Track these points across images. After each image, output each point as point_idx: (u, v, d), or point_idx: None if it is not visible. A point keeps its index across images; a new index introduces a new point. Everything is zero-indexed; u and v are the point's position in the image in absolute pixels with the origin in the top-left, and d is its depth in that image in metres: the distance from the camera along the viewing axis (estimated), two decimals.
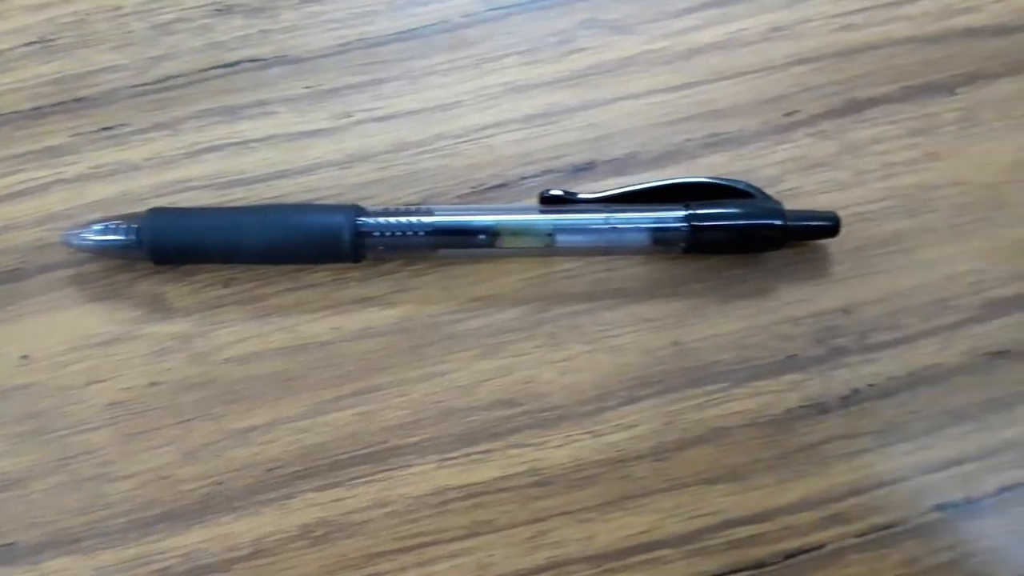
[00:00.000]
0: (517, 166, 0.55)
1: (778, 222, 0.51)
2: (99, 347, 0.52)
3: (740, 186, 0.53)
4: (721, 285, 0.54)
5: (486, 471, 0.51)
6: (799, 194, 0.55)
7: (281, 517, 0.50)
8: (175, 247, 0.48)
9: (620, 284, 0.54)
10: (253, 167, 0.54)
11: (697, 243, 0.50)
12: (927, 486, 0.52)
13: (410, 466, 0.51)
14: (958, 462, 0.52)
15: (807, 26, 0.58)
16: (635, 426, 0.52)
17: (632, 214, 0.49)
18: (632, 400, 0.52)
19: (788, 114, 0.56)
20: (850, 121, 0.56)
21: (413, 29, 0.57)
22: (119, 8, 0.56)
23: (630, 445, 0.52)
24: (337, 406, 0.51)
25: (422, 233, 0.48)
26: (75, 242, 0.47)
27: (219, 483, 0.51)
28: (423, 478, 0.51)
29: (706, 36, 0.58)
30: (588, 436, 0.52)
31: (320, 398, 0.51)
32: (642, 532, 0.51)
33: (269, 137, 0.55)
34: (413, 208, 0.49)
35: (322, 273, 0.53)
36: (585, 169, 0.55)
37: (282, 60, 0.56)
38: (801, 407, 0.52)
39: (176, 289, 0.52)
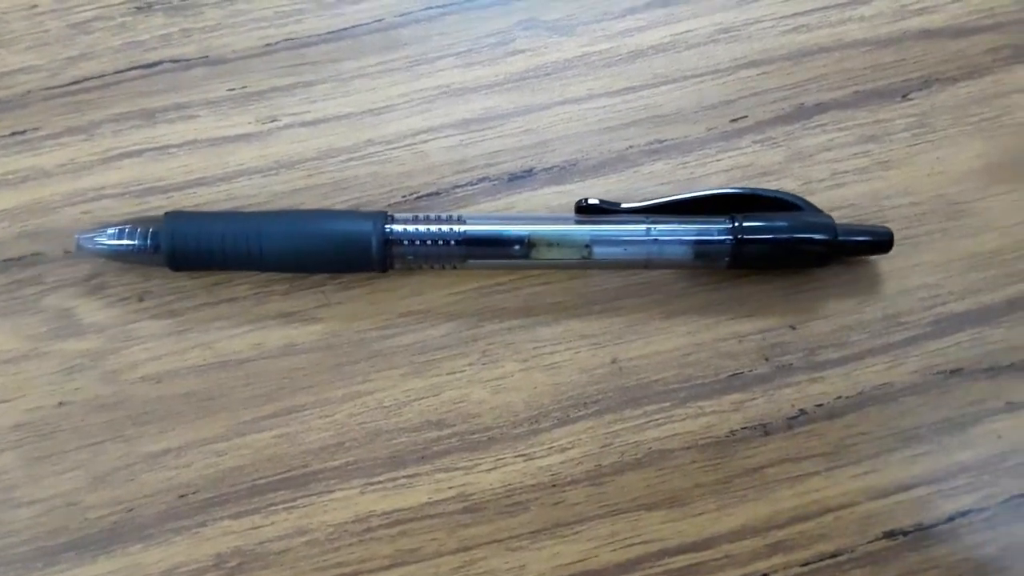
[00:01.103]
0: (451, 174, 0.47)
1: (828, 237, 0.43)
2: (3, 365, 0.44)
3: (787, 198, 0.45)
4: (663, 299, 0.46)
5: (412, 496, 0.44)
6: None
7: (194, 546, 0.43)
8: (193, 253, 0.41)
9: (557, 298, 0.46)
10: (172, 174, 0.46)
11: (742, 258, 0.43)
12: (876, 512, 0.44)
13: (332, 491, 0.43)
14: (908, 487, 0.45)
15: (756, 28, 0.50)
16: (570, 449, 0.44)
17: (674, 226, 0.43)
18: (567, 421, 0.45)
19: (735, 120, 0.49)
20: (799, 128, 0.49)
21: (344, 29, 0.49)
22: (35, 7, 0.48)
23: (564, 469, 0.44)
24: (256, 427, 0.44)
25: (453, 243, 0.42)
26: (89, 246, 0.41)
27: (129, 510, 0.43)
28: (346, 504, 0.43)
29: (650, 38, 0.50)
30: (520, 459, 0.44)
31: (238, 419, 0.44)
32: (575, 561, 0.43)
33: (189, 142, 0.47)
34: (444, 216, 0.43)
35: (243, 286, 0.45)
36: (522, 177, 0.47)
37: (205, 61, 0.48)
38: (745, 428, 0.45)
39: (87, 303, 0.45)
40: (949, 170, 0.48)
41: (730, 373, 0.45)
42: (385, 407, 0.44)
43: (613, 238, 0.43)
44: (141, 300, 0.45)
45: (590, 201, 0.44)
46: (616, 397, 0.45)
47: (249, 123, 0.47)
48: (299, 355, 0.45)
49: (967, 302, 0.47)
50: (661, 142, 0.48)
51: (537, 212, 0.46)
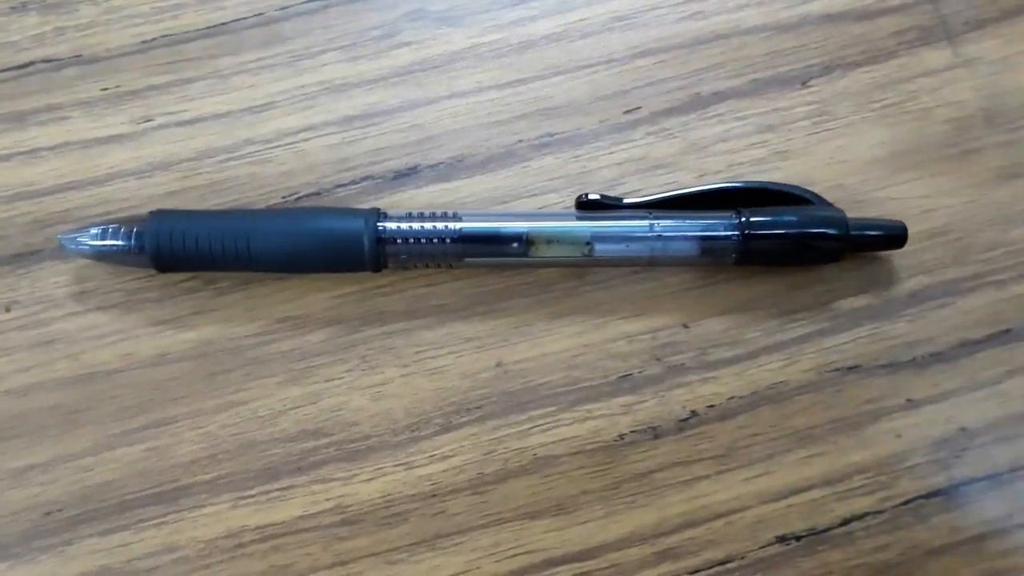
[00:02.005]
0: (333, 173, 0.42)
1: (840, 231, 0.39)
2: None
3: (796, 191, 0.40)
4: (550, 299, 0.41)
5: (287, 509, 0.38)
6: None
7: (60, 565, 0.38)
8: (179, 253, 0.37)
9: (440, 300, 0.41)
10: (42, 178, 0.41)
11: (750, 254, 0.39)
12: (768, 516, 0.39)
13: (203, 506, 0.38)
14: (802, 489, 0.39)
15: (652, 15, 0.44)
16: (452, 456, 0.39)
17: (679, 221, 0.39)
18: (449, 428, 0.39)
19: (629, 111, 0.43)
20: (695, 118, 0.43)
21: (223, 24, 0.43)
22: None
23: (446, 478, 0.39)
24: (125, 441, 0.39)
25: (449, 240, 0.38)
26: (71, 247, 0.37)
27: None
28: (217, 519, 0.38)
29: (542, 27, 0.44)
30: (400, 468, 0.39)
31: (107, 432, 0.39)
32: (456, 574, 0.38)
33: (61, 145, 0.41)
34: (439, 213, 0.38)
35: (114, 294, 0.40)
36: (407, 175, 0.42)
37: (78, 60, 0.42)
38: (634, 432, 0.40)
39: None
40: (850, 159, 0.43)
41: (619, 375, 0.40)
42: (260, 417, 0.39)
43: (615, 234, 0.39)
44: (8, 310, 0.39)
45: (591, 196, 0.40)
46: (500, 402, 0.40)
47: (123, 123, 0.42)
48: (171, 364, 0.39)
49: (867, 296, 0.41)
50: (552, 136, 0.43)
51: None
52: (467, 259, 0.38)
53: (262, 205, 0.41)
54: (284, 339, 0.40)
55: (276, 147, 0.42)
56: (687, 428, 0.40)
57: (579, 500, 0.39)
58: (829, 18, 0.45)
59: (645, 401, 0.40)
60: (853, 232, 0.38)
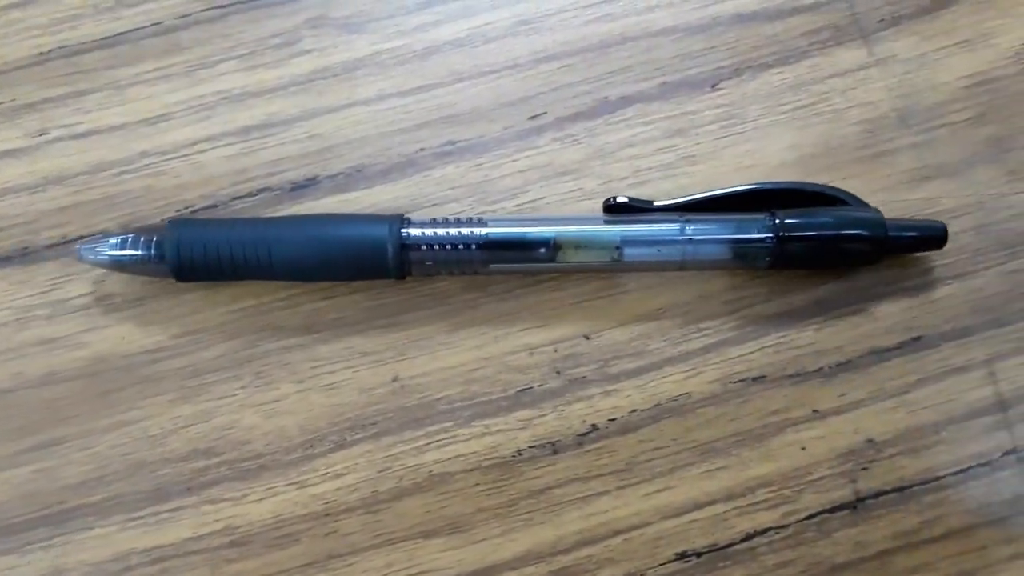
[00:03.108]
0: (230, 185, 0.37)
1: (878, 233, 0.34)
2: None
3: (831, 192, 0.35)
4: (449, 311, 0.36)
5: (175, 531, 0.34)
6: (541, 206, 0.37)
7: None
8: (200, 262, 0.33)
9: (338, 313, 0.36)
10: None
11: (784, 257, 0.34)
12: (668, 532, 0.34)
13: (91, 528, 0.34)
14: (704, 504, 0.35)
15: (558, 19, 0.39)
16: (345, 475, 0.34)
17: (711, 224, 0.34)
18: (344, 445, 0.35)
19: (533, 117, 0.38)
20: (601, 123, 0.38)
21: (121, 33, 0.38)
22: None
23: (339, 497, 0.34)
24: (13, 463, 0.34)
25: (474, 247, 0.33)
26: (89, 257, 0.33)
27: None
28: (105, 542, 0.34)
29: (446, 33, 0.39)
30: (293, 488, 0.34)
31: None
32: None
33: None
34: (464, 219, 0.34)
35: (5, 311, 0.35)
36: (305, 186, 0.37)
37: None
38: (532, 447, 0.35)
39: None
40: (759, 163, 0.38)
41: (519, 388, 0.35)
42: (151, 436, 0.34)
43: (645, 238, 0.34)
44: None
45: (619, 199, 0.35)
46: (397, 418, 0.35)
47: (17, 138, 0.37)
48: (61, 384, 0.35)
49: (773, 304, 0.36)
50: (454, 143, 0.37)
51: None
52: (492, 266, 0.34)
53: (155, 219, 0.36)
54: (178, 355, 0.35)
55: (172, 159, 0.37)
56: (587, 443, 0.35)
57: (475, 518, 0.34)
58: (740, 18, 0.39)
59: (544, 415, 0.35)
60: (891, 233, 0.34)
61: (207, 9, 0.38)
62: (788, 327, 0.36)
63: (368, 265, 0.33)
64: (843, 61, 0.38)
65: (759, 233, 0.34)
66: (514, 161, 0.37)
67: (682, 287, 0.36)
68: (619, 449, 0.35)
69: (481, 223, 0.34)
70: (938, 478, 0.35)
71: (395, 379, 0.35)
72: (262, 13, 0.38)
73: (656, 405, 0.35)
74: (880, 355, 0.35)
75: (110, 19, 0.38)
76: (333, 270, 0.34)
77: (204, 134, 0.37)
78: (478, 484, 0.34)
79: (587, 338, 0.35)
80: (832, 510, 0.34)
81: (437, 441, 0.35)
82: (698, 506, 0.34)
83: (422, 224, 0.34)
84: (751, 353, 0.36)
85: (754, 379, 0.35)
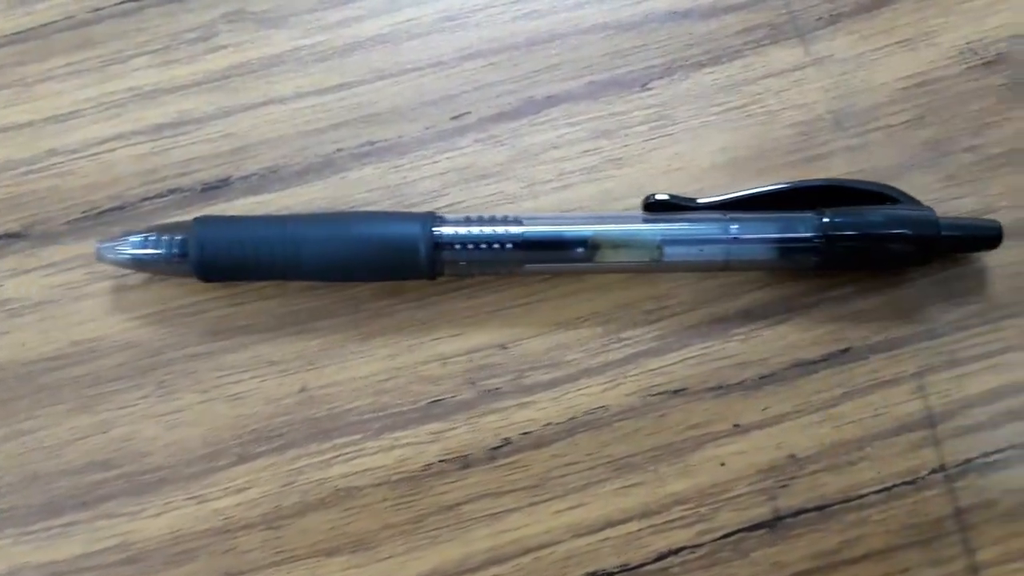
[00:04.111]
0: (139, 185, 0.32)
1: (930, 232, 0.30)
2: None
3: (880, 189, 0.31)
4: (362, 319, 0.32)
5: (68, 547, 0.30)
6: (460, 209, 0.32)
7: None
8: (226, 262, 0.29)
9: (246, 320, 0.31)
10: None
11: (833, 258, 0.30)
12: (579, 551, 0.30)
13: None
14: (617, 522, 0.30)
15: (485, 15, 0.34)
16: (247, 489, 0.30)
17: (756, 223, 0.30)
18: (247, 458, 0.30)
19: (456, 117, 0.33)
20: (526, 124, 0.33)
21: (31, 28, 0.33)
22: None
23: (239, 512, 0.30)
24: None
25: (509, 246, 0.29)
26: (111, 256, 0.29)
27: None
28: None
29: (369, 28, 0.34)
30: (192, 502, 0.30)
31: None
32: None
33: None
34: (499, 217, 0.30)
35: None
36: (217, 187, 0.32)
37: None
38: (442, 461, 0.31)
39: None
40: (688, 166, 0.33)
41: (430, 400, 0.31)
42: (46, 447, 0.30)
43: (688, 237, 0.30)
44: None
45: (659, 197, 0.31)
46: (303, 430, 0.31)
47: None
48: None
49: (697, 314, 0.32)
50: (373, 144, 0.33)
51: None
52: (527, 266, 0.30)
53: (61, 221, 0.32)
54: (78, 363, 0.31)
55: (80, 158, 0.32)
56: (499, 457, 0.31)
57: (380, 535, 0.30)
58: (673, 16, 0.34)
59: (456, 428, 0.31)
60: (944, 233, 0.29)
61: (121, 3, 0.34)
62: (711, 338, 0.31)
63: (399, 265, 0.29)
64: (778, 61, 0.34)
65: (806, 232, 0.29)
66: (434, 163, 0.33)
67: (602, 295, 0.32)
68: (532, 464, 0.30)
69: (517, 221, 0.29)
70: (861, 496, 0.30)
71: (303, 389, 0.31)
72: (178, 7, 0.34)
73: (571, 418, 0.31)
74: (806, 367, 0.31)
75: (22, 14, 0.34)
76: (362, 270, 0.30)
77: (114, 132, 0.33)
78: (385, 499, 0.30)
79: (503, 348, 0.31)
80: (750, 529, 0.30)
81: (344, 454, 0.30)
82: (611, 524, 0.30)
83: (455, 222, 0.29)
84: (672, 365, 0.31)
85: (674, 392, 0.31)
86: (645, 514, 0.30)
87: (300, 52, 0.33)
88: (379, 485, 0.30)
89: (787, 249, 0.30)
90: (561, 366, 0.31)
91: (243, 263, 0.29)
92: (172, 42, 0.33)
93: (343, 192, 0.32)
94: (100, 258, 0.29)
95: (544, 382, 0.31)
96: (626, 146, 0.33)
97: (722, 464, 0.30)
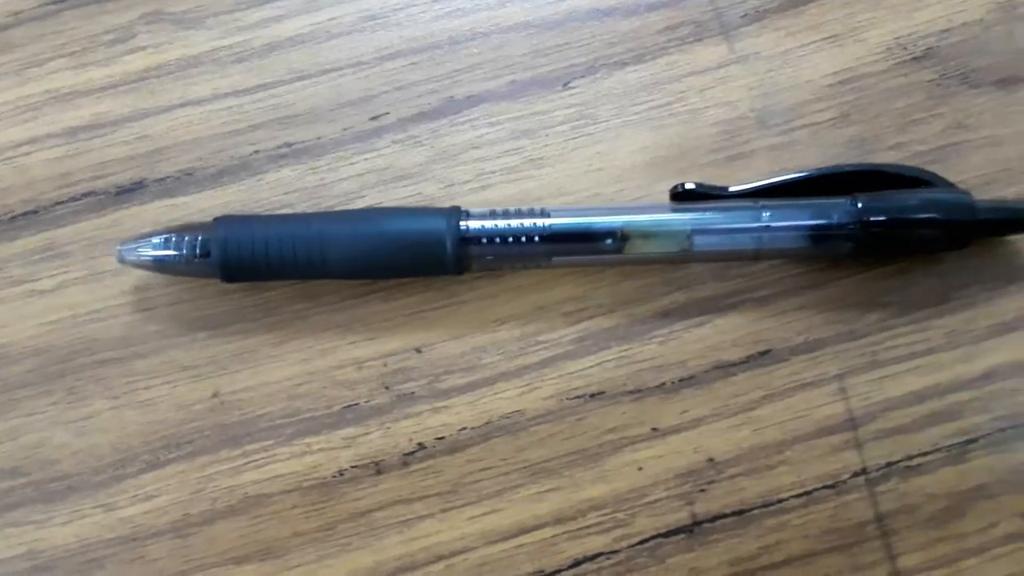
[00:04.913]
0: (53, 189, 0.30)
1: (967, 216, 0.27)
2: None
3: (914, 173, 0.29)
4: (275, 323, 0.29)
5: None
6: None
7: None
8: (248, 261, 0.27)
9: (158, 325, 0.29)
10: None
11: (869, 244, 0.27)
12: (493, 558, 0.28)
13: None
14: (532, 528, 0.28)
15: (406, 14, 0.32)
16: (156, 496, 0.28)
17: (788, 210, 0.27)
18: (157, 465, 0.28)
19: (375, 118, 0.31)
20: (446, 124, 0.31)
21: None
22: None
23: (148, 520, 0.28)
24: None
25: (537, 239, 0.27)
26: (130, 258, 0.27)
27: None
28: None
29: (288, 28, 0.32)
30: (100, 510, 0.28)
31: None
32: None
33: None
34: (525, 210, 0.28)
35: None
36: (131, 190, 0.30)
37: None
38: (355, 467, 0.28)
39: None
40: (609, 166, 0.31)
41: (344, 405, 0.29)
42: None
43: (718, 226, 0.28)
44: None
45: (687, 185, 0.28)
46: (214, 436, 0.28)
47: None
48: None
49: (616, 316, 0.29)
50: (290, 145, 0.31)
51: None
52: (555, 259, 0.28)
53: None
54: None
55: None
56: (412, 462, 0.28)
57: (290, 543, 0.28)
58: (597, 13, 0.32)
59: (370, 433, 0.29)
60: (981, 216, 0.27)
61: (41, 5, 0.31)
62: (630, 340, 0.29)
63: (425, 262, 0.27)
64: (702, 58, 0.31)
65: (840, 219, 0.27)
66: (352, 164, 0.30)
67: (520, 297, 0.29)
68: (446, 469, 0.28)
69: (544, 214, 0.27)
70: (780, 501, 0.28)
71: (215, 395, 0.28)
72: (97, 9, 0.31)
73: (487, 423, 0.28)
74: (726, 370, 0.29)
75: None
76: (388, 267, 0.27)
77: (28, 135, 0.30)
78: (296, 506, 0.28)
79: (419, 351, 0.29)
80: (667, 534, 0.28)
81: (255, 461, 0.28)
82: (525, 530, 0.28)
83: (481, 216, 0.27)
84: (590, 368, 0.29)
85: (592, 395, 0.29)
86: (560, 520, 0.27)
87: (218, 53, 0.31)
88: (290, 492, 0.28)
89: (820, 236, 0.27)
90: (477, 369, 0.28)
91: (267, 262, 0.27)
92: (90, 44, 0.31)
93: (259, 195, 0.30)
94: (121, 260, 0.27)
95: (460, 386, 0.28)
96: (547, 146, 0.30)
97: (639, 469, 0.28)
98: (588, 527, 0.27)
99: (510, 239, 0.27)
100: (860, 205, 0.27)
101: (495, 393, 0.28)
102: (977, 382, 0.28)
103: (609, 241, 0.27)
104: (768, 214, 0.27)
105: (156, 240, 0.27)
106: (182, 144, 0.30)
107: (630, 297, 0.29)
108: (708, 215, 0.28)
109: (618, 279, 0.29)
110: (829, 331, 0.28)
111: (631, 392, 0.28)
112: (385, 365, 0.28)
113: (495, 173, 0.30)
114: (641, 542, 0.27)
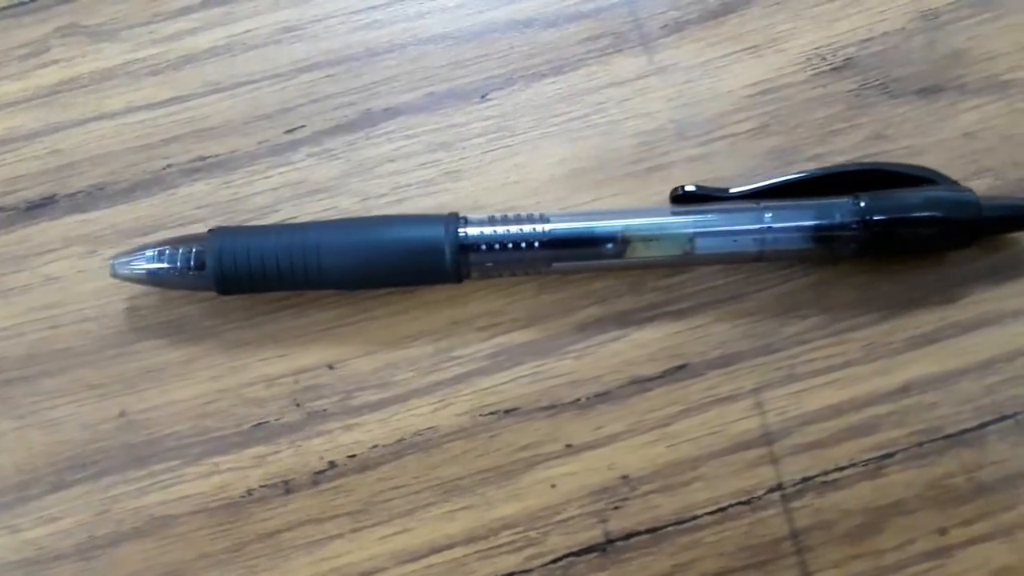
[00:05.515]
0: None
1: (972, 214, 0.26)
2: None
3: (917, 171, 0.27)
4: (185, 340, 0.28)
5: None
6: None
7: None
8: (244, 273, 0.25)
9: (65, 343, 0.28)
10: None
11: (873, 243, 0.26)
12: None
13: None
14: (443, 547, 0.26)
15: (324, 25, 0.30)
16: (61, 519, 0.26)
17: (790, 211, 0.26)
18: (61, 486, 0.27)
19: (290, 131, 0.29)
20: (362, 137, 0.29)
21: None
22: None
23: (52, 542, 0.26)
24: None
25: (537, 245, 0.26)
26: (124, 272, 0.26)
27: None
28: None
29: (204, 40, 0.30)
30: (5, 532, 0.26)
31: None
32: None
33: None
34: (524, 215, 0.26)
35: None
36: (42, 205, 0.29)
37: None
38: (264, 487, 0.27)
39: None
40: (526, 179, 0.29)
41: (254, 423, 0.27)
42: None
43: (720, 229, 0.26)
44: None
45: (687, 188, 0.27)
46: (120, 456, 0.27)
47: None
48: None
49: (531, 330, 0.28)
50: (204, 159, 0.29)
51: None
52: (555, 264, 0.26)
53: None
54: None
55: None
56: (323, 481, 0.27)
57: (195, 565, 0.26)
58: (516, 25, 0.30)
59: (280, 452, 0.27)
60: (987, 214, 0.26)
61: None
62: (546, 355, 0.27)
63: (424, 270, 0.26)
64: (622, 70, 0.30)
65: (843, 219, 0.26)
66: (267, 178, 0.29)
67: (434, 312, 0.28)
68: (357, 488, 0.27)
69: (543, 219, 0.26)
70: (695, 517, 0.26)
71: (122, 414, 0.27)
72: (11, 22, 0.30)
73: (399, 440, 0.27)
74: (641, 385, 0.27)
75: None
76: (386, 276, 0.26)
77: None
78: (202, 528, 0.26)
79: (331, 368, 0.27)
80: (579, 553, 0.26)
81: (161, 481, 0.26)
82: (436, 550, 0.26)
83: (480, 223, 0.26)
84: (504, 383, 0.27)
85: (506, 411, 0.27)
86: (472, 539, 0.26)
87: (133, 66, 0.29)
88: (196, 513, 0.26)
89: (824, 237, 0.26)
90: (390, 386, 0.27)
91: (263, 273, 0.25)
92: (3, 58, 0.29)
93: (172, 209, 0.28)
94: (115, 274, 0.26)
95: (372, 403, 0.27)
96: (463, 158, 0.29)
97: (553, 486, 0.26)
98: (500, 546, 0.26)
99: (510, 245, 0.26)
100: (863, 204, 0.25)
101: (408, 410, 0.26)
102: (895, 395, 0.26)
103: (610, 246, 0.26)
104: (770, 215, 0.26)
105: (150, 253, 0.25)
106: (94, 158, 0.28)
107: (546, 311, 0.27)
108: (709, 217, 0.26)
109: (534, 292, 0.27)
110: (746, 345, 0.27)
111: (545, 408, 0.26)
112: (296, 382, 0.27)
113: (411, 186, 0.28)
114: (553, 561, 0.25)
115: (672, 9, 0.29)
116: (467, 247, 0.25)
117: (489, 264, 0.26)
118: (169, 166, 0.28)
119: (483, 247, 0.25)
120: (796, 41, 0.29)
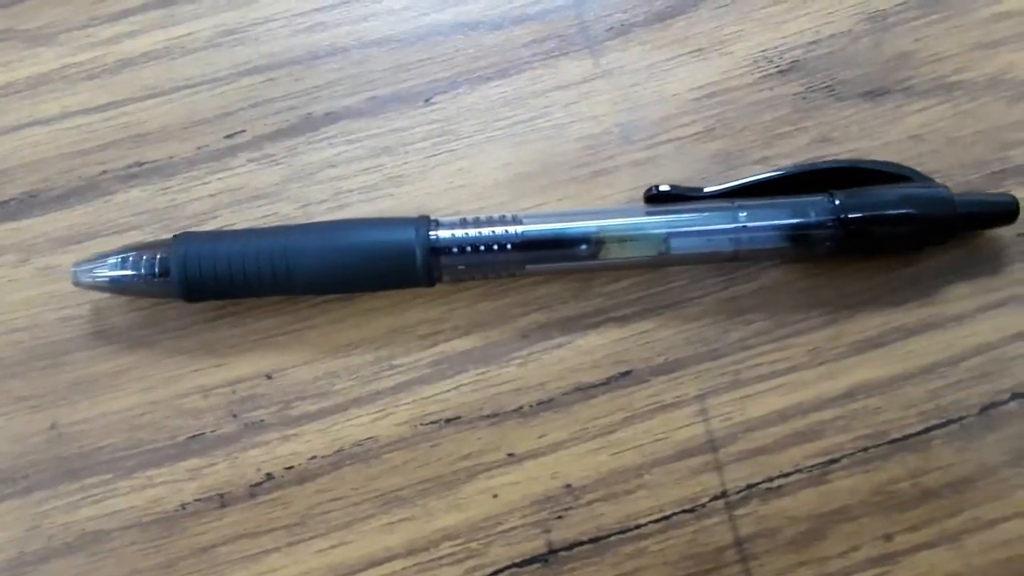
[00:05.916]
0: None
1: (946, 211, 0.25)
2: None
3: (891, 169, 0.26)
4: (118, 350, 0.26)
5: None
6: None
7: None
8: (211, 280, 0.24)
9: None
10: None
11: (849, 242, 0.25)
12: None
13: None
14: (382, 560, 0.25)
15: (265, 28, 0.29)
16: None
17: (765, 210, 0.25)
18: None
19: (229, 136, 0.28)
20: (303, 142, 0.28)
21: None
22: None
23: None
24: None
25: (510, 247, 0.25)
26: (86, 279, 0.25)
27: None
28: None
29: (142, 44, 0.29)
30: None
31: None
32: None
33: None
34: (497, 217, 0.25)
35: None
36: None
37: None
38: (198, 500, 0.25)
39: None
40: (470, 183, 0.28)
41: (189, 435, 0.26)
42: None
43: (695, 228, 0.25)
44: None
45: (661, 188, 0.26)
46: (52, 470, 0.25)
47: None
48: None
49: (473, 338, 0.27)
50: (141, 165, 0.27)
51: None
52: (529, 267, 0.25)
53: None
54: None
55: None
56: (260, 493, 0.25)
57: None
58: (461, 27, 0.29)
59: (215, 464, 0.26)
60: (961, 210, 0.25)
61: None
62: (488, 363, 0.26)
63: (395, 273, 0.25)
64: (567, 73, 0.28)
65: (818, 217, 0.25)
66: (205, 184, 0.27)
67: (374, 320, 0.26)
68: (294, 500, 0.25)
69: (516, 221, 0.25)
70: (639, 526, 0.25)
71: (53, 426, 0.25)
72: None
73: (339, 451, 0.26)
74: (585, 392, 0.26)
75: None
76: (356, 280, 0.25)
77: None
78: (135, 543, 0.25)
79: (269, 377, 0.26)
80: (522, 564, 0.25)
81: (93, 496, 0.25)
82: (375, 563, 0.25)
83: (451, 225, 0.25)
84: (446, 392, 0.26)
85: (447, 420, 0.26)
86: (412, 551, 0.25)
87: (68, 70, 0.28)
88: (129, 528, 0.25)
89: (799, 236, 0.25)
90: (329, 396, 0.26)
91: (230, 279, 0.24)
92: None
93: (107, 216, 0.27)
94: (76, 282, 0.24)
95: (311, 413, 0.25)
96: (406, 163, 0.27)
97: (495, 496, 0.25)
98: (441, 558, 0.24)
99: (482, 248, 0.24)
100: (838, 202, 0.24)
101: (347, 420, 0.25)
102: (840, 400, 0.25)
103: (584, 247, 0.25)
104: (745, 214, 0.25)
105: (112, 260, 0.24)
106: (27, 165, 0.27)
107: (488, 318, 0.26)
108: (684, 217, 0.25)
109: (476, 299, 0.26)
110: (690, 350, 0.26)
111: (488, 416, 0.25)
112: (233, 392, 0.25)
113: (353, 192, 0.27)
114: (495, 572, 0.24)
115: (618, 12, 0.28)
116: (438, 250, 0.24)
117: (461, 267, 0.25)
118: (105, 172, 0.27)
119: (455, 250, 0.24)
120: (742, 44, 0.28)
